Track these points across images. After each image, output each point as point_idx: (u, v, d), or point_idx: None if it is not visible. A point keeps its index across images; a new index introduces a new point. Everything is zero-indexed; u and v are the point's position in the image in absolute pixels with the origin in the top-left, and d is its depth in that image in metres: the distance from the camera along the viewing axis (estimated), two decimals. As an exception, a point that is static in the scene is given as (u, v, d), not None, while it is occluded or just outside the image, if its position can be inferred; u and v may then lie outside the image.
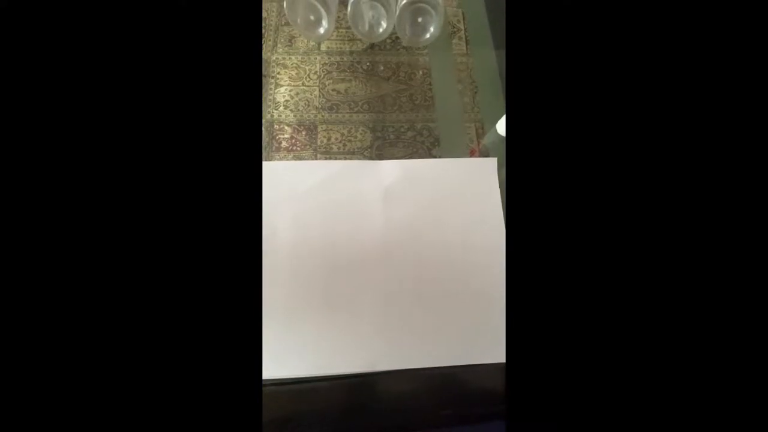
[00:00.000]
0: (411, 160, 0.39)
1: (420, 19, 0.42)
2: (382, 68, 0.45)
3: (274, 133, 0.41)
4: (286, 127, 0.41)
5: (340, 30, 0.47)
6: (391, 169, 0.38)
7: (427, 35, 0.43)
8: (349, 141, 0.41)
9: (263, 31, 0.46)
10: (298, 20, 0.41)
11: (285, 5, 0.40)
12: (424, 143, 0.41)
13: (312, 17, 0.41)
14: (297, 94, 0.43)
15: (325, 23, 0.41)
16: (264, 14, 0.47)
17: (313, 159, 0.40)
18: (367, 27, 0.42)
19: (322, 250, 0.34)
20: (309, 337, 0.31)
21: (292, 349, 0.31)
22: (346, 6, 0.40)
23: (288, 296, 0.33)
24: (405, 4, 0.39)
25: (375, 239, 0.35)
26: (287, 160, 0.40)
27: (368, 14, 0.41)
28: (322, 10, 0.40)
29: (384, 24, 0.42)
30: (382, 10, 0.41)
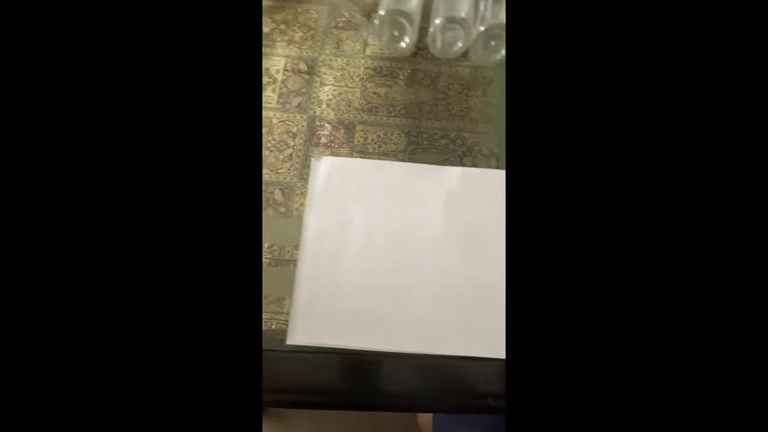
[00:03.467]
0: (473, 168, 0.41)
1: (493, 43, 0.45)
2: (422, 76, 0.46)
3: (315, 129, 0.43)
4: (326, 124, 0.44)
5: (384, 37, 0.49)
6: (453, 174, 0.40)
7: (498, 57, 0.46)
8: (384, 143, 0.43)
9: (313, 32, 0.48)
10: (383, 37, 0.44)
11: (376, 22, 0.43)
12: (456, 152, 0.43)
13: (396, 33, 0.45)
14: (339, 94, 0.45)
15: (407, 39, 0.45)
16: (315, 16, 0.49)
17: (349, 157, 0.42)
18: (439, 45, 0.45)
19: (386, 242, 0.38)
20: (366, 315, 0.35)
21: (352, 321, 0.35)
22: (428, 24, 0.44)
23: (357, 276, 0.37)
24: (483, 30, 0.43)
25: (434, 238, 0.37)
26: (326, 155, 0.42)
27: (447, 35, 0.44)
28: (408, 27, 0.43)
29: (460, 44, 0.45)
30: (462, 32, 0.44)
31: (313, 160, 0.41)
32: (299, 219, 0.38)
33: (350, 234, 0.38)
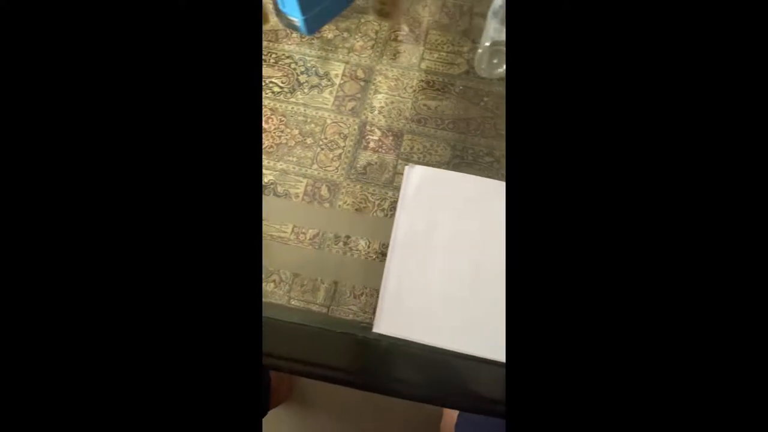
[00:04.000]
0: None
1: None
2: (472, 94, 0.48)
3: (365, 133, 0.46)
4: (376, 130, 0.46)
5: (441, 53, 0.51)
6: None
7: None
8: (429, 153, 0.45)
9: (373, 42, 0.51)
10: (483, 65, 0.48)
11: (480, 51, 0.47)
12: (500, 170, 0.43)
13: (495, 60, 0.48)
14: (392, 102, 0.47)
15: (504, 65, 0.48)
16: (376, 27, 0.52)
17: (395, 163, 0.44)
18: (484, 65, 0.47)
19: (470, 248, 0.40)
20: (448, 316, 0.38)
21: (435, 320, 0.38)
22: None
23: (442, 278, 0.39)
24: None
25: (501, 254, 0.39)
26: (372, 159, 0.44)
27: (494, 57, 0.47)
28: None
29: (503, 68, 0.48)
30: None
31: (406, 168, 0.43)
32: (384, 219, 0.41)
33: (437, 238, 0.40)
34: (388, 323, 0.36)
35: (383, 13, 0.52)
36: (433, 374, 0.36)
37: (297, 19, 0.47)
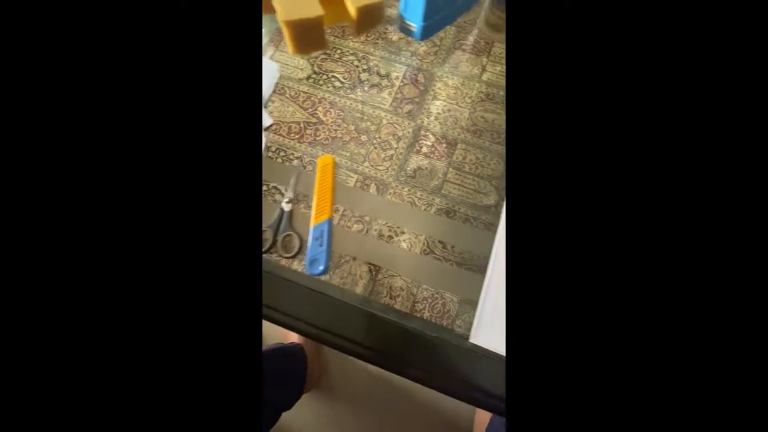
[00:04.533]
0: None
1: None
2: (531, 111, 0.47)
3: (419, 137, 0.46)
4: (430, 135, 0.46)
5: (503, 66, 0.50)
6: None
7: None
8: (482, 166, 0.44)
9: (437, 48, 0.51)
10: None
11: None
12: (551, 191, 0.43)
13: None
14: (449, 110, 0.48)
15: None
16: (441, 35, 0.52)
17: (445, 170, 0.44)
18: None
19: None
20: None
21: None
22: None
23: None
24: None
25: None
26: (423, 164, 0.44)
27: None
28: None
29: None
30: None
31: None
32: (487, 233, 0.41)
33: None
34: (487, 336, 0.36)
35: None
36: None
37: (416, 24, 0.48)
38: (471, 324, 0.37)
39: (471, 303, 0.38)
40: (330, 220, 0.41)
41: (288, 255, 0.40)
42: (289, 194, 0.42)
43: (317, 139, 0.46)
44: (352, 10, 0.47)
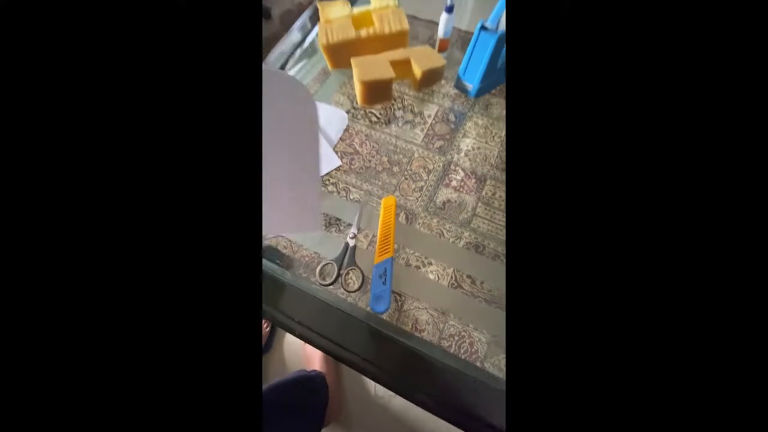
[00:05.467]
0: None
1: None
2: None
3: (449, 171, 0.48)
4: (460, 170, 0.48)
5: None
6: None
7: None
8: (510, 202, 0.45)
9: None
10: None
11: None
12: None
13: None
14: (478, 148, 0.49)
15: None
16: (472, 79, 0.56)
17: (474, 204, 0.45)
18: None
19: None
20: None
21: None
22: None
23: None
24: None
25: None
26: (452, 197, 0.45)
27: None
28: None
29: None
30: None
31: None
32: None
33: None
34: None
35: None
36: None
37: (472, 85, 0.52)
38: (501, 367, 0.36)
39: (501, 345, 0.37)
40: (392, 259, 0.41)
41: (351, 290, 0.40)
42: (354, 229, 0.43)
43: (352, 167, 0.48)
44: (417, 72, 0.51)
